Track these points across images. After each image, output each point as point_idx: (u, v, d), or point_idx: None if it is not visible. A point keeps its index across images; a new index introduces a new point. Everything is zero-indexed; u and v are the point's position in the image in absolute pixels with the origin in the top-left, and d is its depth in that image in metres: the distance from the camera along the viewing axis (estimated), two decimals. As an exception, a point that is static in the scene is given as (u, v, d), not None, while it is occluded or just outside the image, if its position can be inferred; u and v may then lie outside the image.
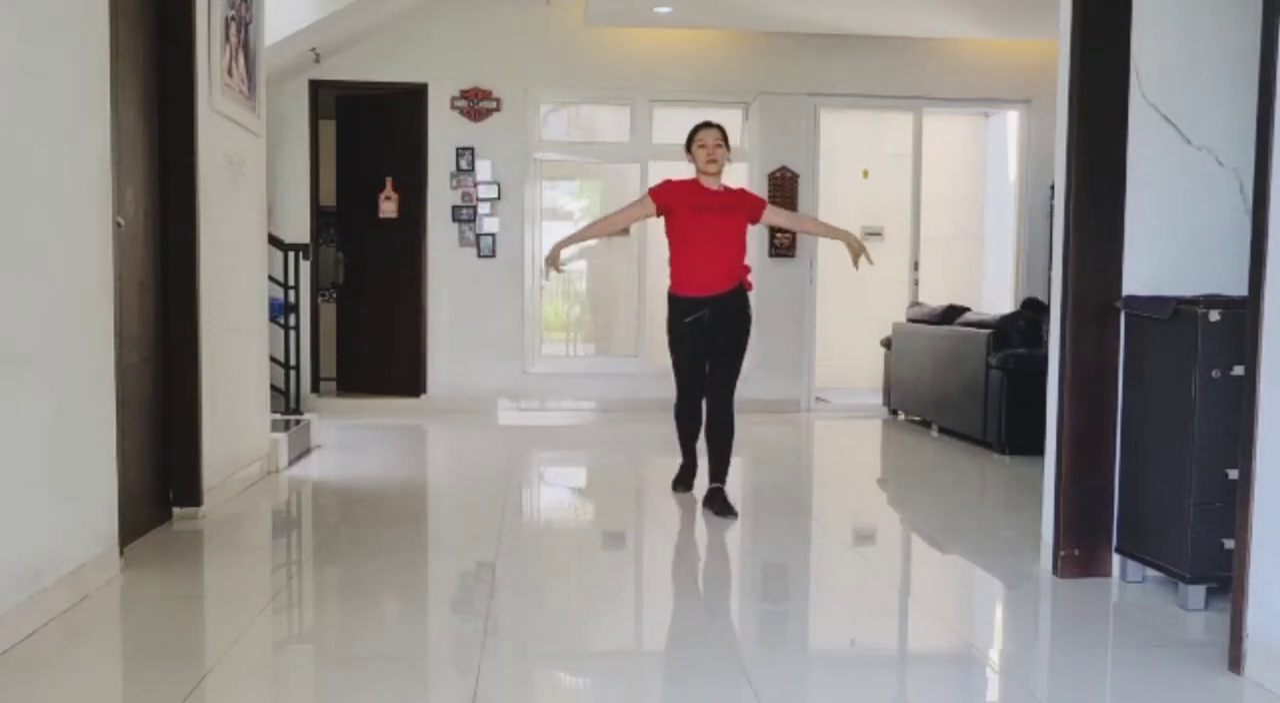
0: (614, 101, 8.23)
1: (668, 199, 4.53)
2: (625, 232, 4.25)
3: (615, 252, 9.11)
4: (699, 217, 4.46)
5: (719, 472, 4.58)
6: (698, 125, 4.65)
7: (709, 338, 4.53)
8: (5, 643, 2.65)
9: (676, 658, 2.85)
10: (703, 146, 4.51)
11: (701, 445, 4.71)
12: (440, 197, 7.81)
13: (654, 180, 8.11)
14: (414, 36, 7.74)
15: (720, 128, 4.60)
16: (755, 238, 8.09)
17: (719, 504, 4.45)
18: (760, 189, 8.07)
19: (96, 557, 3.20)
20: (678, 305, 4.56)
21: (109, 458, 3.34)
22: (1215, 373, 2.99)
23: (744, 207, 4.59)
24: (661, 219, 4.62)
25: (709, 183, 4.54)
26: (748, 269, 4.60)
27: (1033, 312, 6.48)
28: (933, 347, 7.01)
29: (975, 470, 5.78)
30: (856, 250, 4.77)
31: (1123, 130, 3.34)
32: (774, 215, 4.81)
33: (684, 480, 4.92)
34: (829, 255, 8.83)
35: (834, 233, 4.86)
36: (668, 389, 8.02)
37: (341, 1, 6.65)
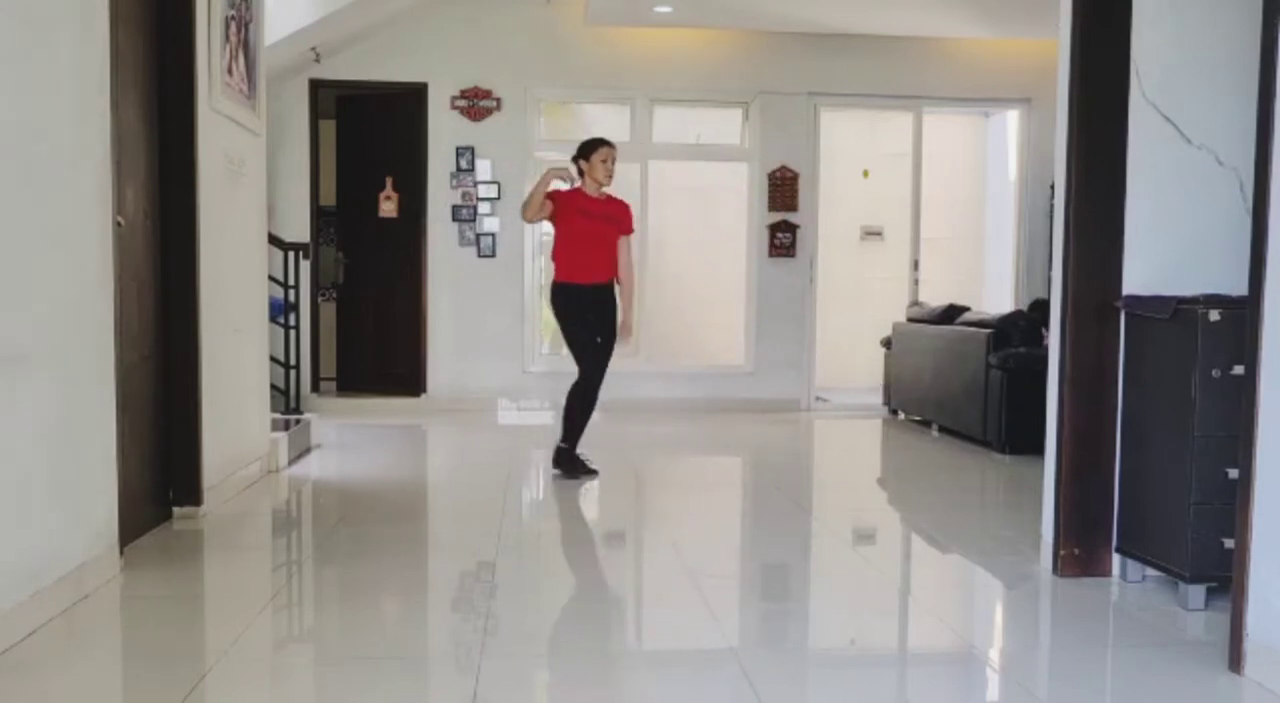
0: (614, 101, 8.23)
1: (557, 196, 5.13)
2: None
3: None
4: (586, 222, 5.10)
5: (572, 431, 5.22)
6: (602, 140, 5.23)
7: (594, 320, 5.16)
8: (5, 643, 2.65)
9: (676, 658, 2.85)
10: (605, 161, 5.14)
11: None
12: (440, 196, 7.81)
13: (654, 179, 8.24)
14: (414, 36, 7.74)
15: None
16: (755, 238, 8.12)
17: (577, 465, 5.15)
18: (760, 188, 8.09)
19: (96, 556, 3.20)
20: (568, 292, 5.17)
21: (109, 457, 3.34)
22: (1215, 373, 2.99)
23: (620, 219, 5.23)
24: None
25: (593, 192, 5.16)
26: (615, 271, 5.22)
27: (1037, 312, 6.47)
28: (933, 346, 7.01)
29: (975, 470, 5.78)
30: (624, 332, 5.35)
31: (1123, 130, 3.34)
32: (626, 245, 5.31)
33: (577, 463, 5.25)
34: (829, 256, 8.87)
35: (626, 305, 5.37)
36: (668, 388, 8.12)
37: (341, 1, 6.65)
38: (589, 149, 5.19)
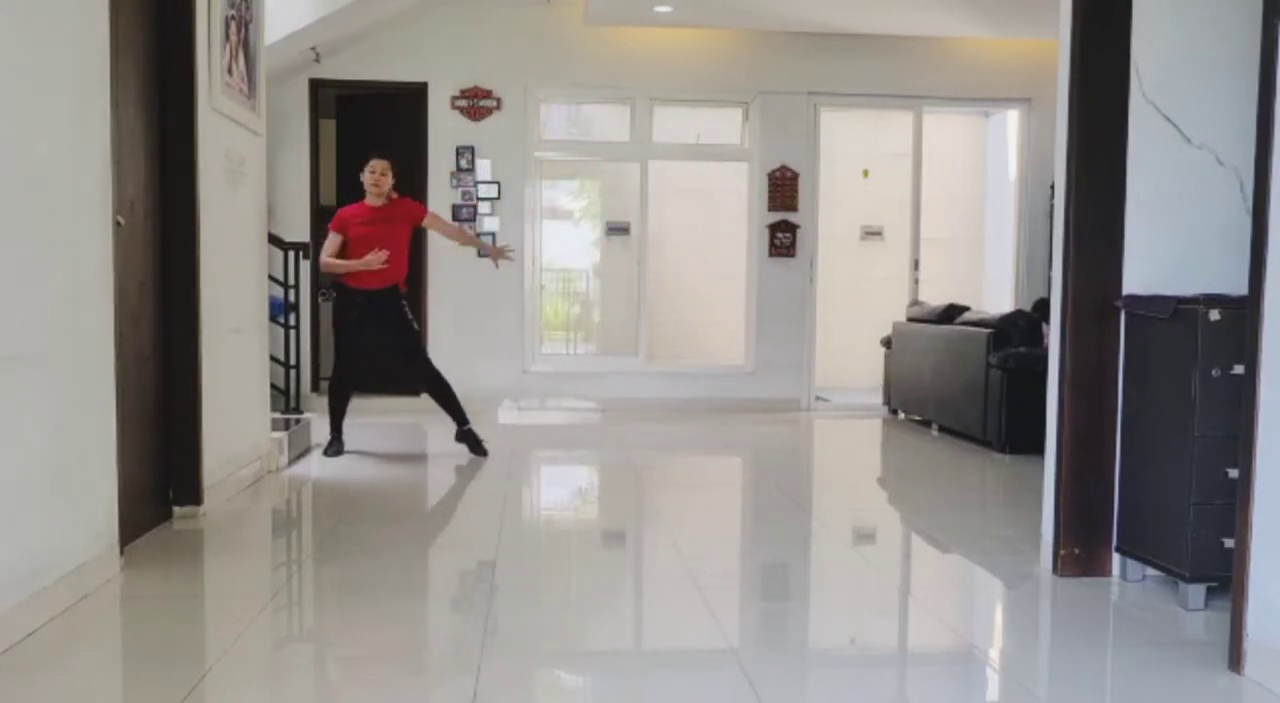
0: (614, 101, 8.23)
1: (340, 225, 5.64)
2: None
3: (615, 251, 9.12)
4: (365, 229, 5.57)
5: (459, 415, 5.78)
6: (372, 153, 5.73)
7: (370, 323, 5.64)
8: (5, 642, 2.65)
9: (676, 658, 2.86)
10: (372, 172, 5.61)
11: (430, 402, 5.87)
12: (440, 196, 7.80)
13: (655, 179, 8.24)
14: (414, 36, 7.74)
15: (388, 160, 5.70)
16: (755, 238, 8.12)
17: (474, 441, 5.74)
18: (760, 188, 8.09)
19: (96, 556, 3.20)
20: (345, 294, 5.68)
21: (109, 457, 3.34)
22: (1215, 372, 2.99)
23: (404, 216, 5.72)
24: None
25: (374, 202, 5.64)
26: (403, 271, 5.69)
27: (1040, 312, 6.47)
28: (933, 346, 7.01)
29: (975, 470, 5.78)
30: (494, 252, 6.09)
31: (1123, 130, 3.34)
32: (434, 221, 6.03)
33: (336, 446, 5.73)
34: (829, 256, 8.87)
35: (482, 245, 6.45)
36: (668, 388, 8.12)
37: (341, 1, 6.65)
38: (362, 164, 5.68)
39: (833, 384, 8.95)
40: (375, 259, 5.48)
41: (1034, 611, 3.33)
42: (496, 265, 6.43)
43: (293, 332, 6.92)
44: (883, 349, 8.04)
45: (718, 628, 3.02)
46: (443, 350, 7.85)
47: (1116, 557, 3.44)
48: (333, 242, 5.62)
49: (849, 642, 3.06)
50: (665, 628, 3.14)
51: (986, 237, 9.71)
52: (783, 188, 8.09)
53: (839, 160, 9.24)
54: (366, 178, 5.62)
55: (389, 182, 5.66)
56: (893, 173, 8.85)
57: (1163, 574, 3.26)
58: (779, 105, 8.08)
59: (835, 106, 8.35)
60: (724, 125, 8.43)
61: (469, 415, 5.85)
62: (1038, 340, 6.14)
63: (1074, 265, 3.42)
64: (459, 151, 7.81)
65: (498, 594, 3.33)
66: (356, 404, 7.70)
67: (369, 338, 5.69)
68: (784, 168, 8.09)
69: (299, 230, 7.57)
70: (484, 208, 7.86)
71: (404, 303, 5.71)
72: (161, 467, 4.08)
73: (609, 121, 8.68)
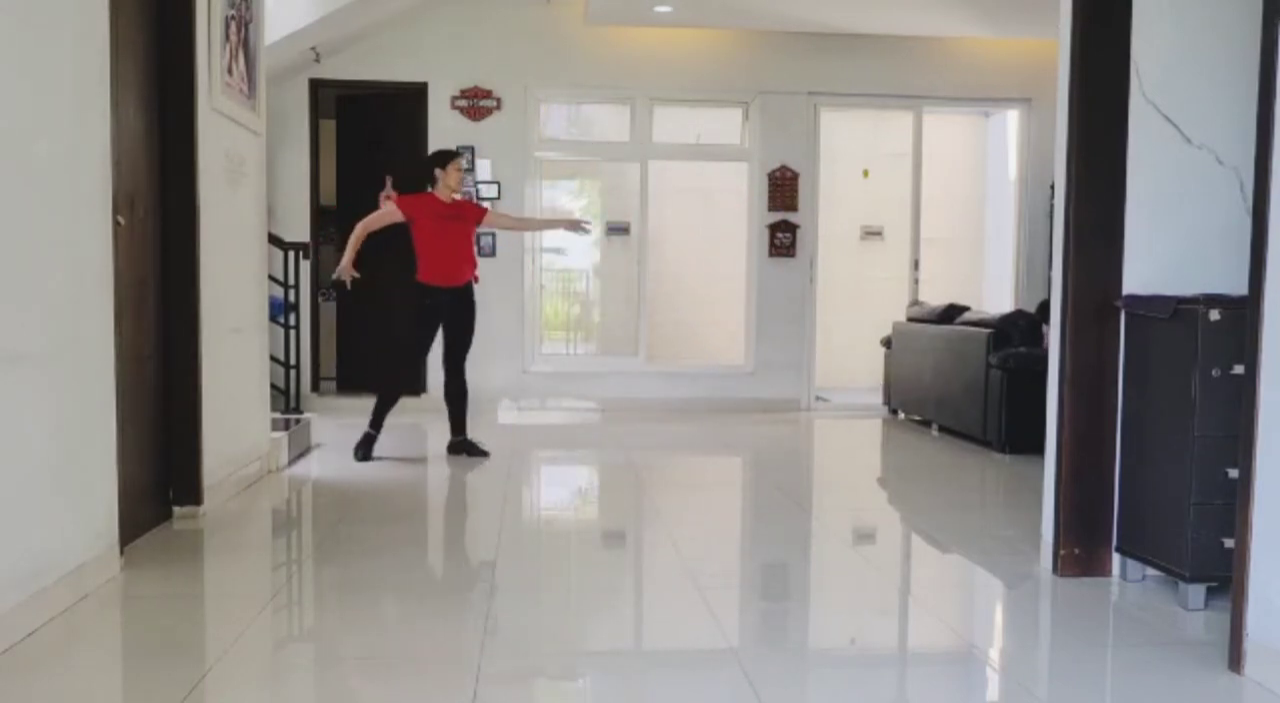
0: (614, 101, 8.23)
1: (409, 207, 5.60)
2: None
3: (615, 251, 9.12)
4: (440, 223, 5.57)
5: (462, 426, 5.81)
6: (457, 151, 5.86)
7: (447, 319, 5.71)
8: (5, 642, 2.65)
9: (676, 658, 2.86)
10: (458, 170, 5.66)
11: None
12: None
13: (654, 178, 8.25)
14: (414, 36, 7.73)
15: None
16: (755, 238, 8.12)
17: (471, 448, 5.77)
18: (760, 188, 8.09)
19: (97, 556, 3.20)
20: (425, 292, 5.68)
21: (109, 457, 3.34)
22: (1215, 372, 2.99)
23: (471, 216, 5.75)
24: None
25: (446, 197, 5.62)
26: (475, 266, 5.81)
27: (1041, 314, 6.46)
28: (933, 346, 7.01)
29: (975, 470, 5.78)
30: (570, 225, 6.12)
31: (1123, 130, 3.34)
32: (497, 219, 6.05)
33: (366, 447, 5.66)
34: (829, 256, 8.87)
35: (553, 224, 6.22)
36: (668, 388, 8.12)
37: (341, 1, 6.65)
38: (443, 159, 5.67)
39: (833, 384, 8.95)
40: (343, 271, 5.69)
41: (1034, 611, 3.33)
42: (578, 234, 6.48)
43: (293, 332, 6.92)
44: (883, 349, 8.04)
45: (718, 628, 3.02)
46: (443, 350, 7.85)
47: (1116, 557, 3.44)
48: (388, 216, 5.65)
49: (849, 642, 3.06)
50: (665, 628, 3.14)
51: (986, 237, 9.71)
52: (783, 188, 8.09)
53: (839, 160, 9.24)
54: (452, 175, 5.60)
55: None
56: (893, 173, 8.84)
57: (1163, 574, 3.26)
58: (779, 105, 8.08)
59: (835, 106, 8.35)
60: (724, 125, 8.43)
61: (469, 418, 5.88)
62: (1038, 340, 6.14)
63: (1074, 265, 3.42)
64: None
65: (498, 594, 3.33)
66: (356, 404, 7.71)
67: (436, 332, 5.74)
68: (784, 168, 8.09)
69: (299, 230, 7.57)
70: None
71: (475, 301, 5.84)
72: (161, 467, 4.08)
73: (609, 121, 8.68)
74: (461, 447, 5.78)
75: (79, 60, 3.15)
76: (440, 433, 6.05)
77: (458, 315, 5.74)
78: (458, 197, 5.77)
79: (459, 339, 5.78)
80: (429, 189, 5.62)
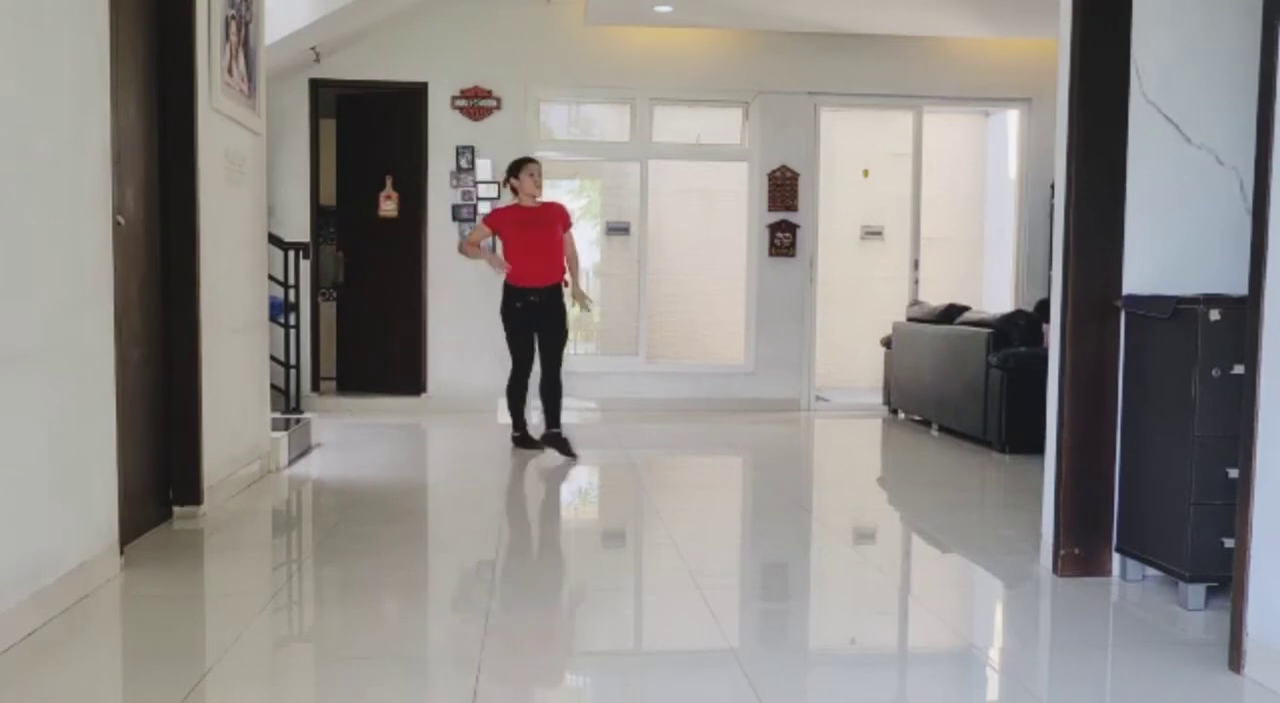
0: (614, 101, 8.23)
1: (496, 222, 5.87)
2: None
3: (615, 251, 9.12)
4: (525, 231, 5.74)
5: (556, 419, 5.85)
6: (528, 158, 5.93)
7: (537, 320, 5.79)
8: (6, 642, 2.65)
9: (676, 658, 2.86)
10: (531, 176, 5.76)
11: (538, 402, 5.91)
12: (440, 196, 7.81)
13: (654, 178, 8.25)
14: (414, 36, 7.73)
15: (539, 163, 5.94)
16: (755, 238, 8.12)
17: (562, 444, 5.76)
18: (760, 188, 8.09)
19: (97, 556, 3.20)
20: (514, 293, 5.80)
21: (109, 457, 3.34)
22: (1215, 372, 2.99)
23: (557, 219, 5.83)
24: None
25: (529, 203, 5.79)
26: (564, 268, 5.85)
27: (1041, 314, 6.46)
28: (933, 346, 7.01)
29: (975, 469, 5.78)
30: (578, 295, 6.03)
31: (1123, 130, 3.34)
32: (569, 240, 5.94)
33: (526, 440, 5.95)
34: (829, 255, 8.87)
35: (576, 282, 6.02)
36: (668, 388, 8.12)
37: (341, 1, 6.65)
38: (517, 168, 5.81)
39: (833, 384, 8.95)
40: (497, 263, 5.85)
41: (1034, 610, 3.33)
42: (578, 310, 6.28)
43: (293, 332, 6.92)
44: (883, 349, 8.04)
45: (718, 628, 3.02)
46: (443, 349, 7.86)
47: (1116, 557, 3.44)
48: (479, 233, 5.98)
49: (849, 642, 3.06)
50: (665, 628, 3.14)
51: (986, 237, 9.71)
52: (783, 188, 8.09)
53: (839, 160, 9.24)
54: (526, 181, 5.74)
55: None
56: (893, 173, 8.85)
57: (1163, 574, 3.27)
58: (779, 105, 8.08)
59: (835, 106, 8.35)
60: (724, 125, 8.44)
61: (518, 420, 5.98)
62: (1038, 340, 6.14)
63: (1074, 265, 3.42)
64: (459, 151, 7.81)
65: (498, 594, 3.33)
66: (357, 405, 7.74)
67: (532, 332, 5.82)
68: (784, 168, 8.09)
69: (299, 230, 7.57)
70: (484, 208, 7.84)
71: (564, 301, 5.90)
72: (161, 467, 4.08)
73: (609, 121, 8.68)
74: (553, 440, 5.80)
75: (79, 60, 3.15)
76: (440, 433, 6.07)
77: (546, 315, 5.79)
78: (542, 199, 5.85)
79: (549, 338, 5.83)
80: (514, 199, 5.84)
